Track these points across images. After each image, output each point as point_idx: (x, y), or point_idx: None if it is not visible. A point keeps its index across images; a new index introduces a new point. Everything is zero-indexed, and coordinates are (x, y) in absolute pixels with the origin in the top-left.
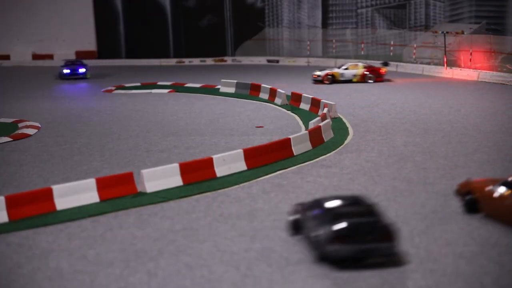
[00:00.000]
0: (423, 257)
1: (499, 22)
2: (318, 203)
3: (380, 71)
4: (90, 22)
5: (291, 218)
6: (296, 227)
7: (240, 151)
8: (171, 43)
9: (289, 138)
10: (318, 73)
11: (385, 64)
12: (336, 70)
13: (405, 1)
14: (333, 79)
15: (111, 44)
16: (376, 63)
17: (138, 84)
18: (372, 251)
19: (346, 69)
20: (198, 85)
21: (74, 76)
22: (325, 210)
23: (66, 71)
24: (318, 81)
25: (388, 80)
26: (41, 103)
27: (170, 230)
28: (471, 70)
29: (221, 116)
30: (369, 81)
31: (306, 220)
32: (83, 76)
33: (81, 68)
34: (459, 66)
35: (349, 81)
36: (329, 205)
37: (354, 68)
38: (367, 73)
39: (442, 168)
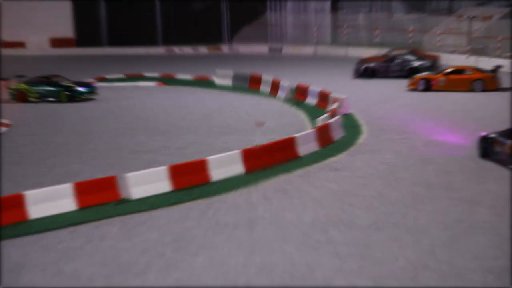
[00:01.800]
0: (445, 272)
1: None
2: None
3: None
4: (66, 4)
5: None
6: None
7: (238, 152)
8: (159, 28)
9: (294, 137)
10: None
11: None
12: None
13: None
14: None
15: (90, 30)
16: None
17: (122, 75)
18: None
19: None
20: (190, 77)
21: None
22: None
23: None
24: None
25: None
26: None
27: (159, 242)
28: (501, 59)
29: (217, 112)
30: None
31: None
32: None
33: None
34: (487, 55)
35: None
36: None
37: None
38: None
39: (468, 171)
